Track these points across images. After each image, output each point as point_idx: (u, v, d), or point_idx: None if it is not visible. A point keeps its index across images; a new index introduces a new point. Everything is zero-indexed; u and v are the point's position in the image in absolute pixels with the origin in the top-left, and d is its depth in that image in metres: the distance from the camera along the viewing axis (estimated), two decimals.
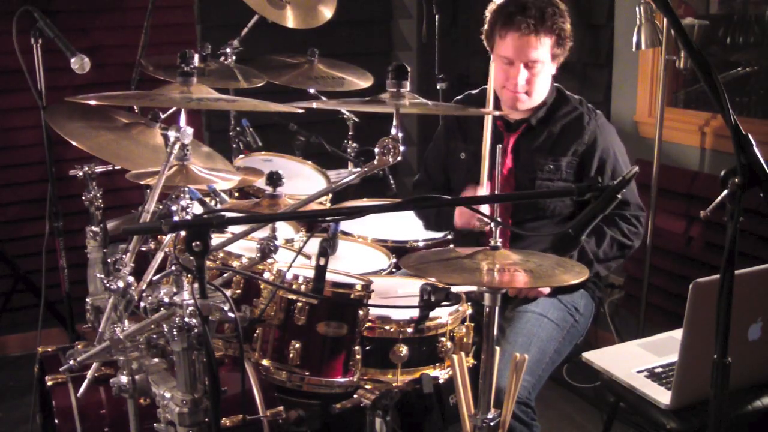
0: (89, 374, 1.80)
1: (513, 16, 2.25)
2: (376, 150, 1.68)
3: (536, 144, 2.42)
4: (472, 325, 2.04)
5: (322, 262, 1.81)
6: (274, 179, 2.07)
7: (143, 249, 2.22)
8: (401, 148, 1.68)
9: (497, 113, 2.39)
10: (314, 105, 1.88)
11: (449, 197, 1.73)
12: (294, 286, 1.86)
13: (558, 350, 2.29)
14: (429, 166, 2.67)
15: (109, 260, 1.69)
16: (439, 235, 2.68)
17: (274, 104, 1.84)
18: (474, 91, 2.56)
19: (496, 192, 2.15)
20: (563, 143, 2.39)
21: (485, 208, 2.16)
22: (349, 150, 3.31)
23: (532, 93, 2.35)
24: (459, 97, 2.61)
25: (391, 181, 3.34)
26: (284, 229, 2.44)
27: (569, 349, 2.36)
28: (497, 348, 1.71)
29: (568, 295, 2.39)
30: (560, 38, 2.29)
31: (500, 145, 1.85)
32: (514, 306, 2.36)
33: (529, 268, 1.66)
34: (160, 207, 1.78)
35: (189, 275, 1.61)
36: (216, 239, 1.85)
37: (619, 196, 1.58)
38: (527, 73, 2.30)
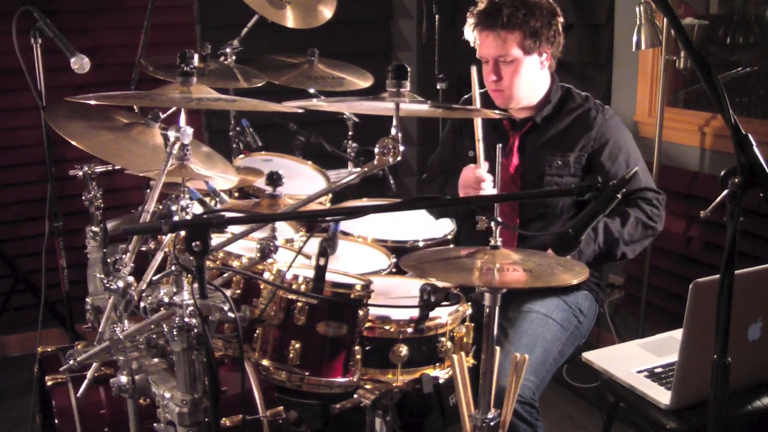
0: (89, 374, 1.80)
1: (480, 17, 2.36)
2: (376, 150, 1.68)
3: (542, 141, 2.43)
4: (472, 325, 2.04)
5: (322, 262, 1.81)
6: (274, 179, 2.07)
7: (143, 249, 2.22)
8: (401, 148, 1.68)
9: (501, 113, 2.39)
10: (314, 101, 1.89)
11: (449, 197, 1.74)
12: (294, 286, 1.86)
13: (562, 351, 2.30)
14: (434, 164, 2.69)
15: (109, 260, 1.69)
16: (438, 234, 2.68)
17: (274, 104, 1.84)
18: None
19: (497, 191, 2.18)
20: (570, 139, 2.40)
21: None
22: (349, 150, 3.31)
23: (513, 89, 2.37)
24: (460, 102, 2.63)
25: (391, 181, 3.34)
26: (284, 229, 2.44)
27: (572, 350, 2.36)
28: (497, 348, 1.71)
29: (572, 296, 2.39)
30: (530, 33, 2.31)
31: (500, 145, 1.85)
32: (516, 306, 2.36)
33: (528, 267, 1.66)
34: (160, 207, 1.78)
35: (189, 275, 1.61)
36: (216, 239, 1.85)
37: (618, 195, 1.58)
38: (503, 69, 2.36)
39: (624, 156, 2.40)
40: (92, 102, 1.79)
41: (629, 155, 2.41)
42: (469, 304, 2.05)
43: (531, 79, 2.39)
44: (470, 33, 2.40)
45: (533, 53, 2.35)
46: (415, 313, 1.91)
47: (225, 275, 1.92)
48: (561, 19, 2.39)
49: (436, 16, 3.77)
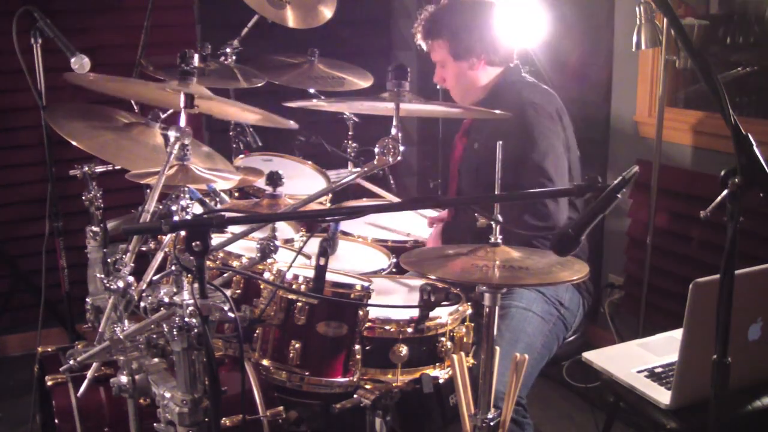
0: (89, 374, 1.80)
1: (417, 28, 2.58)
2: (376, 150, 1.69)
3: (477, 131, 2.53)
4: (472, 325, 2.04)
5: (322, 262, 1.81)
6: (274, 179, 2.07)
7: (143, 249, 2.22)
8: (401, 148, 1.68)
9: (498, 112, 2.39)
10: (314, 101, 1.90)
11: (448, 198, 1.74)
12: (294, 286, 1.86)
13: (545, 345, 2.29)
14: None
15: (109, 260, 1.69)
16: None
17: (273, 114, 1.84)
18: None
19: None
20: (489, 125, 2.48)
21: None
22: (349, 150, 3.31)
23: (451, 88, 2.58)
24: None
25: (391, 181, 3.34)
26: (284, 229, 2.44)
27: (557, 343, 2.36)
28: (497, 348, 1.71)
29: (551, 288, 2.39)
30: (456, 40, 2.48)
31: (500, 142, 1.83)
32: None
33: (527, 265, 1.66)
34: (160, 207, 1.78)
35: (189, 275, 1.61)
36: (216, 239, 1.85)
37: (618, 196, 1.57)
38: (444, 72, 2.56)
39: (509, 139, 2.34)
40: (91, 77, 1.77)
41: (521, 142, 2.34)
42: (469, 304, 2.05)
43: (463, 80, 2.53)
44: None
45: (461, 59, 2.49)
46: (415, 313, 1.91)
47: (225, 275, 1.92)
48: (496, 17, 2.48)
49: None
